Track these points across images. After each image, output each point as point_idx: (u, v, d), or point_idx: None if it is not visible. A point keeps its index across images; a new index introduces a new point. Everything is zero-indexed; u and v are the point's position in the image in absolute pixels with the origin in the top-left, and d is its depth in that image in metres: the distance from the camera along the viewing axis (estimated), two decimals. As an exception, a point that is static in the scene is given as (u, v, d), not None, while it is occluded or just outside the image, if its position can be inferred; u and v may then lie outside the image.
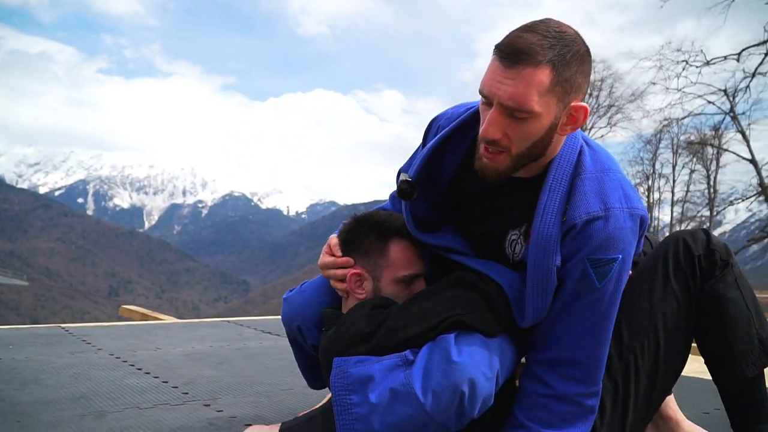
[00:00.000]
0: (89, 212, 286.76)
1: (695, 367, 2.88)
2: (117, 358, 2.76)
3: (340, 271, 1.43)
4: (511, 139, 1.18)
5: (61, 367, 2.51)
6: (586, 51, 1.18)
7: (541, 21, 1.17)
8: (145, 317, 5.34)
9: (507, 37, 1.15)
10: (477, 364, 1.18)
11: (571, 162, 1.26)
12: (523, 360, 1.38)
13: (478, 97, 1.21)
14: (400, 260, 1.43)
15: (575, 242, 1.22)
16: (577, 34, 1.17)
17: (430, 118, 1.47)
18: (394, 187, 1.50)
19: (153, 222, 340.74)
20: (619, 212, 1.22)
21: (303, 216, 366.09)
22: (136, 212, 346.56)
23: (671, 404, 1.65)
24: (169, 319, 5.03)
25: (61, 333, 3.44)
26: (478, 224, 1.42)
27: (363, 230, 1.45)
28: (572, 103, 1.17)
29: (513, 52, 1.12)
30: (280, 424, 1.31)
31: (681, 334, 1.40)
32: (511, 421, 1.31)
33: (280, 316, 1.66)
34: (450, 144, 1.38)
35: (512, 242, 1.35)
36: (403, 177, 1.40)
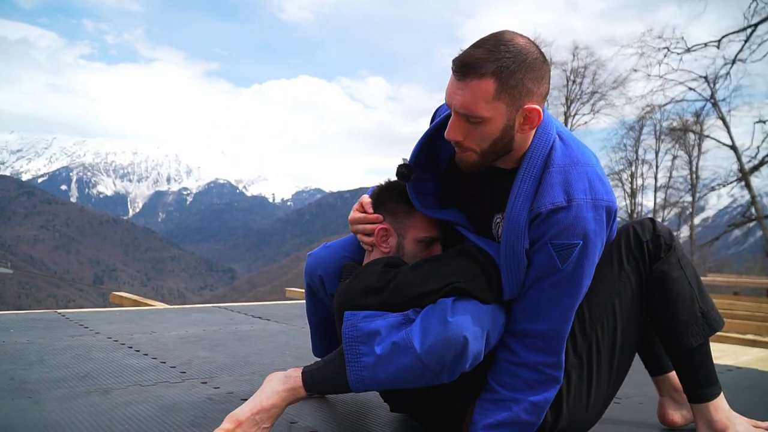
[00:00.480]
0: (73, 199, 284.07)
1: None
2: (115, 341, 2.88)
3: (369, 226, 1.59)
4: (471, 140, 1.35)
5: (62, 349, 2.64)
6: (536, 59, 1.31)
7: (493, 35, 1.32)
8: (136, 303, 5.45)
9: (460, 53, 1.31)
10: (469, 324, 1.33)
11: (542, 155, 1.39)
12: None
13: None
14: (423, 222, 1.60)
15: (540, 228, 1.36)
16: (528, 44, 1.31)
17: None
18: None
19: (137, 209, 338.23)
20: (583, 203, 1.36)
21: (289, 203, 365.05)
22: (120, 199, 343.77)
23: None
24: (161, 305, 5.14)
25: (58, 318, 3.55)
26: (469, 207, 1.57)
27: (394, 193, 1.62)
28: (525, 106, 1.32)
29: (461, 66, 1.29)
30: (301, 368, 1.45)
31: (635, 311, 1.56)
32: (485, 386, 1.46)
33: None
34: (443, 130, 1.52)
35: (497, 225, 1.50)
36: (402, 161, 1.56)
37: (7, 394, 1.90)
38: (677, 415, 1.78)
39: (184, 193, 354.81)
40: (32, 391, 1.94)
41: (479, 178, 1.50)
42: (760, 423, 1.69)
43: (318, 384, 1.42)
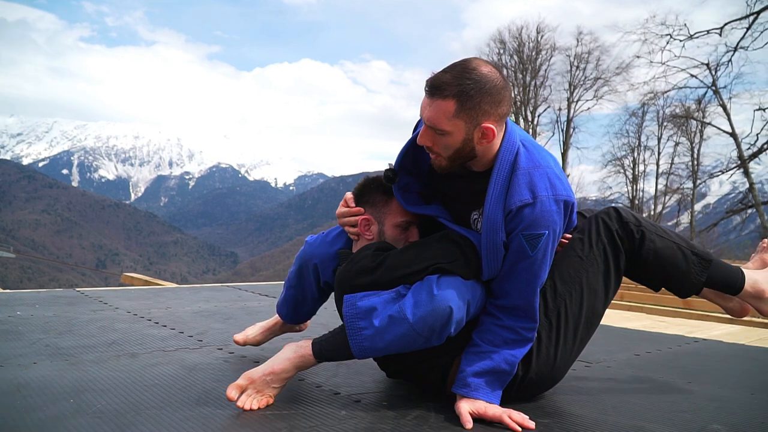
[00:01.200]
0: (74, 184, 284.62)
1: (634, 323, 3.32)
2: (134, 314, 3.13)
3: (353, 218, 1.83)
4: (438, 147, 1.60)
5: (87, 321, 2.88)
6: (495, 86, 1.53)
7: (461, 63, 1.55)
8: (147, 283, 5.70)
9: (432, 75, 1.55)
10: (453, 296, 1.57)
11: (509, 161, 1.63)
12: None
13: None
14: (399, 209, 1.83)
15: (513, 222, 1.60)
16: (491, 72, 1.54)
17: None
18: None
19: (139, 194, 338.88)
20: (546, 199, 1.60)
21: (291, 188, 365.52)
22: (122, 184, 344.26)
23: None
24: (171, 285, 5.39)
25: (78, 295, 3.80)
26: (452, 203, 1.81)
27: (372, 186, 1.86)
28: (482, 125, 1.55)
29: (431, 87, 1.54)
30: (311, 339, 1.69)
31: (600, 287, 1.80)
32: (471, 343, 1.70)
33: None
34: None
35: (474, 220, 1.74)
36: (388, 165, 1.80)
37: (46, 358, 2.14)
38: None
39: (186, 177, 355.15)
40: (68, 355, 2.18)
41: (457, 180, 1.74)
42: None
43: (325, 353, 1.66)
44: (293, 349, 1.68)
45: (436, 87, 1.53)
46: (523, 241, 1.60)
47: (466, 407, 1.60)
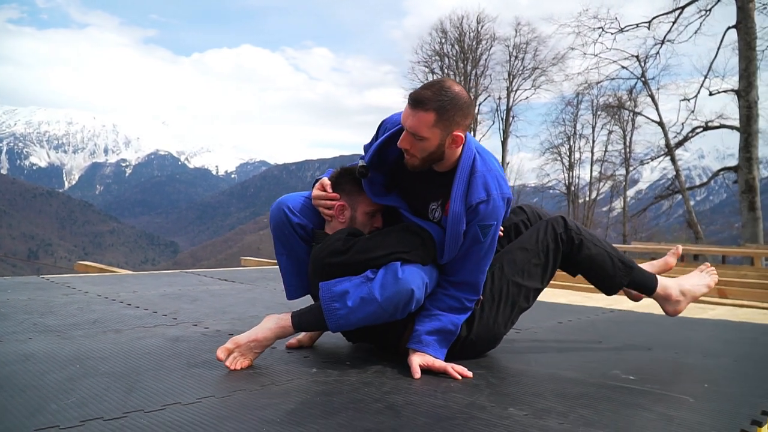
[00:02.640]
0: (3, 171, 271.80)
1: (561, 299, 3.74)
2: (106, 297, 3.35)
3: (330, 203, 2.12)
4: (415, 149, 1.93)
5: (64, 303, 3.09)
6: (465, 102, 1.89)
7: (439, 82, 1.89)
8: (102, 271, 5.83)
9: (415, 91, 1.88)
10: (414, 279, 1.91)
11: (468, 165, 1.99)
12: None
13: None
14: (369, 199, 2.13)
15: (470, 215, 1.96)
16: (461, 91, 1.88)
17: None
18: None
19: (73, 182, 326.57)
20: (496, 197, 1.98)
21: (233, 176, 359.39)
22: (55, 171, 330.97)
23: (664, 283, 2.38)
24: (129, 272, 5.55)
25: (44, 281, 3.97)
26: (411, 195, 2.15)
27: (348, 177, 2.16)
28: (453, 132, 1.90)
29: (414, 101, 1.87)
30: (290, 313, 1.99)
31: (538, 275, 2.20)
32: (423, 309, 2.04)
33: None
34: (393, 140, 2.08)
35: (433, 210, 2.09)
36: (360, 163, 2.11)
37: (39, 334, 2.37)
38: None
39: (123, 164, 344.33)
40: (58, 332, 2.42)
41: (421, 177, 2.08)
42: (702, 266, 2.46)
43: (303, 325, 1.98)
44: (275, 321, 1.99)
45: (419, 101, 1.86)
46: (478, 230, 1.96)
47: (417, 360, 1.95)
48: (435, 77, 29.02)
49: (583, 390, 1.82)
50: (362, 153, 2.22)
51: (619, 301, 4.17)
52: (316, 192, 2.17)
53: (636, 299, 2.48)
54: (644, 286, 2.33)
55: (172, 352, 2.13)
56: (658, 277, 2.35)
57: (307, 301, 2.18)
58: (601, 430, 1.45)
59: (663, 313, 2.38)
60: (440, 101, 1.86)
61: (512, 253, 2.20)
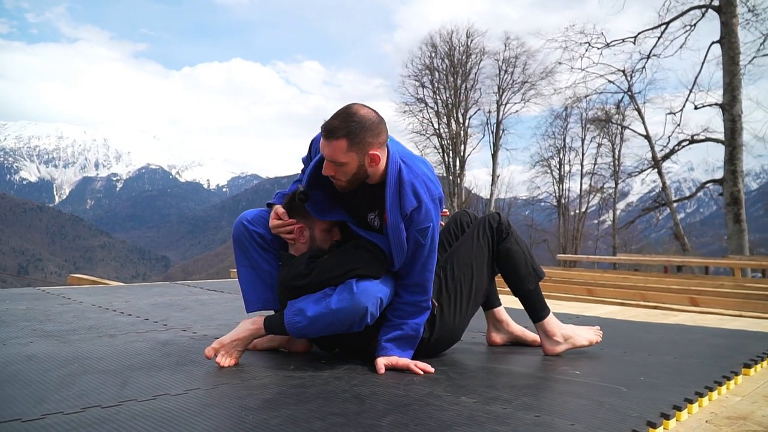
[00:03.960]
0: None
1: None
2: (99, 306, 3.54)
3: (289, 228, 2.30)
4: (339, 174, 2.10)
5: (60, 312, 3.28)
6: (372, 122, 2.03)
7: (345, 109, 2.05)
8: (95, 283, 6.01)
9: (326, 122, 2.05)
10: (368, 293, 2.11)
11: (395, 177, 2.15)
12: None
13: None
14: None
15: (408, 222, 2.15)
16: (368, 113, 2.05)
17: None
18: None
19: (64, 196, 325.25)
20: (426, 201, 2.16)
21: (224, 189, 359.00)
22: (46, 186, 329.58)
23: (503, 313, 2.68)
24: (121, 283, 5.73)
25: (40, 293, 4.15)
26: (351, 208, 2.34)
27: (300, 202, 2.32)
28: (369, 152, 2.07)
29: (325, 131, 2.04)
30: (263, 317, 2.20)
31: (485, 270, 2.41)
32: (385, 319, 2.25)
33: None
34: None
35: (372, 220, 2.29)
36: (299, 188, 2.29)
37: (39, 338, 2.56)
38: (498, 337, 2.71)
39: (114, 179, 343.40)
40: (56, 336, 2.61)
41: (356, 191, 2.24)
42: (592, 327, 2.62)
43: (274, 329, 2.19)
44: (251, 322, 2.21)
45: (329, 131, 2.02)
46: (417, 235, 2.16)
47: (381, 360, 2.16)
48: (425, 91, 29.43)
49: (530, 382, 2.04)
50: None
51: (590, 309, 4.39)
52: (273, 222, 2.31)
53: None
54: (537, 306, 2.48)
55: (162, 353, 2.33)
56: (551, 311, 2.52)
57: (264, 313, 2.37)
58: (537, 413, 1.66)
59: (626, 318, 2.61)
60: (348, 128, 2.03)
61: (458, 252, 2.40)
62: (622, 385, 2.00)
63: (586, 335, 2.53)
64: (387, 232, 2.17)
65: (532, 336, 2.68)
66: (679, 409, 1.75)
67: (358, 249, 2.20)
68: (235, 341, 2.18)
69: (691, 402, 1.82)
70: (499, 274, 2.51)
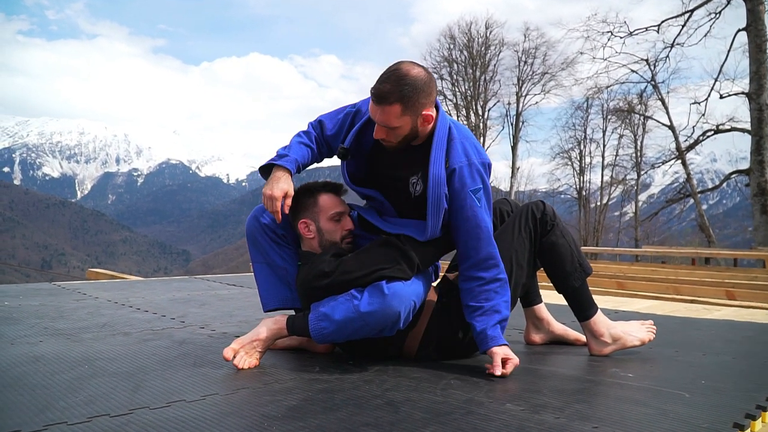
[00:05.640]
0: (16, 182, 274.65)
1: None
2: (115, 302, 3.40)
3: (276, 206, 2.05)
4: (390, 137, 1.99)
5: (74, 308, 3.15)
6: (425, 82, 1.92)
7: (394, 71, 1.91)
8: (113, 278, 5.91)
9: (374, 86, 1.92)
10: (400, 296, 1.92)
11: (445, 132, 2.03)
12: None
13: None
14: (327, 204, 2.18)
15: (454, 180, 1.98)
16: (419, 71, 1.92)
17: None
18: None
19: (86, 191, 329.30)
20: (476, 161, 2.03)
21: (244, 184, 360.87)
22: (68, 181, 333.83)
23: (544, 311, 2.48)
24: (135, 278, 5.62)
25: (56, 288, 4.03)
26: (392, 173, 2.16)
27: (299, 194, 2.19)
28: (422, 113, 1.95)
29: (377, 98, 1.92)
30: (286, 316, 2.04)
31: (525, 262, 2.22)
32: (468, 311, 2.04)
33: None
34: (369, 125, 2.12)
35: (413, 184, 2.11)
36: (341, 146, 2.15)
37: (49, 337, 2.42)
38: (537, 336, 2.51)
39: (135, 174, 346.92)
40: (68, 335, 2.47)
41: (399, 153, 2.10)
42: (645, 321, 2.41)
43: (296, 330, 2.02)
44: (273, 321, 2.04)
45: (381, 96, 1.91)
46: (473, 196, 1.99)
47: (499, 354, 1.96)
48: (444, 83, 29.10)
49: (580, 386, 1.85)
50: None
51: (626, 303, 4.18)
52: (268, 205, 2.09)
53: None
54: (584, 304, 2.28)
55: (178, 353, 2.18)
56: (599, 309, 2.32)
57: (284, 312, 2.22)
58: (595, 424, 1.48)
59: (666, 314, 2.41)
60: (401, 92, 1.90)
61: (500, 240, 2.18)
62: (683, 390, 1.80)
63: (638, 334, 2.32)
64: (427, 192, 2.00)
65: (575, 335, 2.49)
66: (753, 417, 1.56)
67: (386, 247, 2.03)
68: (255, 341, 2.02)
69: (764, 409, 1.62)
70: (541, 269, 2.31)
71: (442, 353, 2.16)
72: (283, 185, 2.05)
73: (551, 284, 2.33)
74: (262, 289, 2.30)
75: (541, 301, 2.49)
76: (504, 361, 1.95)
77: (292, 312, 2.25)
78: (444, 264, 2.59)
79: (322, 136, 2.24)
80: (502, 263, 2.06)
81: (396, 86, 1.90)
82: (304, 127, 2.26)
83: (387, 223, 2.13)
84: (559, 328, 2.50)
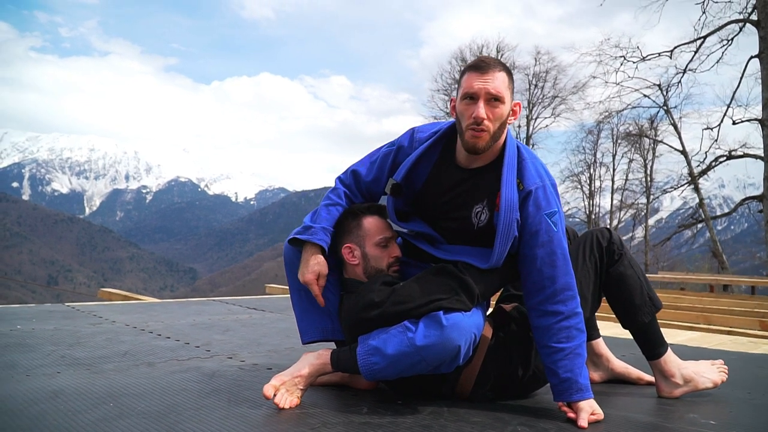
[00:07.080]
0: (25, 197, 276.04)
1: (607, 331, 3.55)
2: (134, 327, 3.22)
3: (316, 288, 1.94)
4: (491, 118, 1.80)
5: (91, 334, 2.97)
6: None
7: (487, 56, 1.84)
8: (126, 298, 5.73)
9: (475, 60, 1.82)
10: (460, 329, 1.73)
11: (515, 152, 1.88)
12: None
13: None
14: (373, 229, 2.01)
15: (528, 204, 1.82)
16: None
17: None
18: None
19: (94, 208, 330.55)
20: (548, 182, 1.87)
21: (252, 202, 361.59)
22: (76, 197, 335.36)
23: (602, 346, 2.29)
24: (151, 299, 5.44)
25: (70, 309, 3.86)
26: (447, 207, 1.98)
27: (343, 217, 2.03)
28: (514, 101, 1.85)
29: (485, 63, 1.80)
30: (330, 351, 1.85)
31: (591, 293, 2.02)
32: (546, 352, 1.82)
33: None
34: (423, 157, 1.95)
35: (477, 213, 1.92)
36: (392, 181, 1.98)
37: (67, 367, 2.24)
38: (596, 375, 2.30)
39: (144, 191, 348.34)
40: (87, 365, 2.29)
41: (459, 182, 1.93)
42: (715, 361, 2.20)
43: (341, 365, 1.83)
44: (315, 356, 1.86)
45: (489, 63, 1.81)
46: (548, 220, 1.81)
47: (586, 410, 1.74)
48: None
49: (664, 438, 1.65)
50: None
51: (668, 335, 3.97)
52: (308, 277, 1.93)
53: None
54: (654, 342, 2.08)
55: (210, 389, 1.99)
56: (669, 346, 2.12)
57: (324, 344, 2.05)
58: (701, 488, 1.28)
59: (714, 347, 2.20)
60: (504, 65, 1.85)
61: None
62: (781, 443, 1.60)
63: (710, 375, 2.12)
64: (498, 217, 1.82)
65: (637, 373, 2.28)
66: None
67: (443, 275, 1.84)
68: (297, 378, 1.83)
69: None
70: (606, 302, 2.12)
71: (498, 392, 1.96)
72: (313, 267, 1.93)
73: (618, 320, 2.13)
74: (300, 319, 2.11)
75: (599, 336, 2.30)
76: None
77: (333, 345, 2.07)
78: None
79: (357, 186, 2.08)
80: (578, 298, 1.86)
81: (498, 60, 1.84)
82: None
83: (441, 250, 1.95)
84: (619, 365, 2.30)
